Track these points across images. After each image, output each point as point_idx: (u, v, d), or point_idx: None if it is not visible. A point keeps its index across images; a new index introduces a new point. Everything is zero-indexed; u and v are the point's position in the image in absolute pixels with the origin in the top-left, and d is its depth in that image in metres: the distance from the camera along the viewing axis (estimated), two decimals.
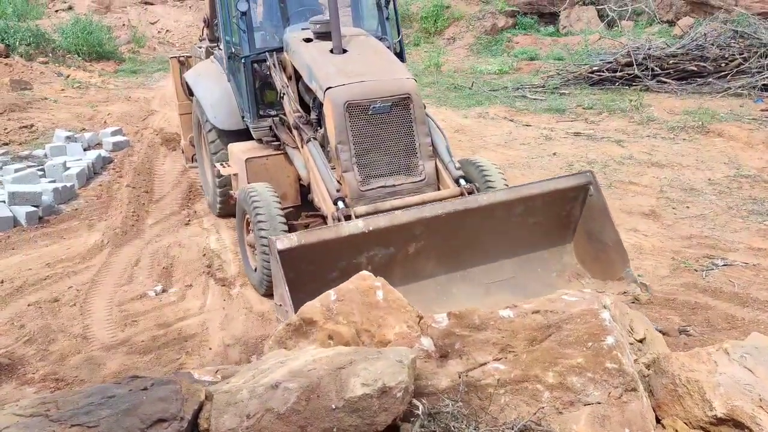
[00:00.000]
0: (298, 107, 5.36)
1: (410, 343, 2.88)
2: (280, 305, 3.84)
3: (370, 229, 3.97)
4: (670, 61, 12.09)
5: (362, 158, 4.74)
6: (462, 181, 4.85)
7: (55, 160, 8.23)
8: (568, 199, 4.58)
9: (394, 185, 4.78)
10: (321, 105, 4.98)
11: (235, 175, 5.83)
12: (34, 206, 6.79)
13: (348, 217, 4.44)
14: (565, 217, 4.68)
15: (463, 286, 4.30)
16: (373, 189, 4.72)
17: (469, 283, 4.33)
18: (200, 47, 7.72)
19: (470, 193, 4.74)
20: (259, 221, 4.77)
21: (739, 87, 11.11)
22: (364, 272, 3.21)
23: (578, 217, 4.64)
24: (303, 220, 5.16)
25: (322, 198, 4.82)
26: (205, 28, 7.74)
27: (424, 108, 5.00)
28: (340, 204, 4.58)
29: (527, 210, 4.46)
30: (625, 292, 4.34)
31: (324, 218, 4.88)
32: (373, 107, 4.73)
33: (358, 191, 4.68)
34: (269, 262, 4.63)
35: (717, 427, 2.59)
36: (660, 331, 4.33)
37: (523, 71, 14.68)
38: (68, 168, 8.01)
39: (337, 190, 4.65)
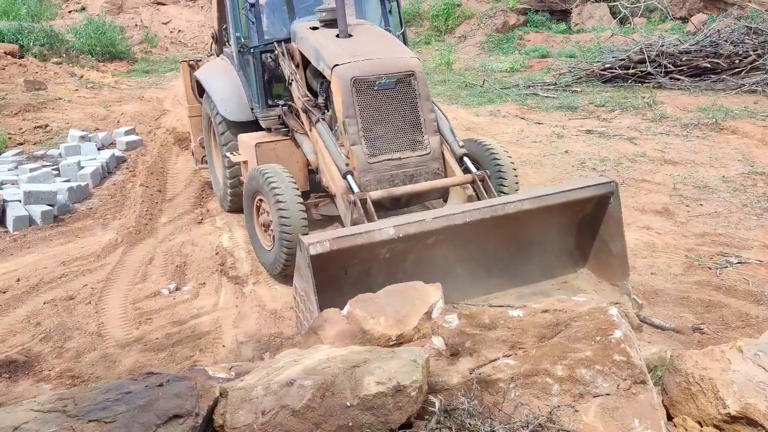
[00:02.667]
0: (307, 92, 5.51)
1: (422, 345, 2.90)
2: (303, 296, 3.91)
3: (401, 235, 4.01)
4: (683, 58, 12.01)
5: (369, 132, 4.91)
6: (467, 161, 5.00)
7: (70, 160, 8.31)
8: (586, 202, 4.57)
9: (400, 158, 4.95)
10: (328, 87, 5.14)
11: (245, 162, 5.97)
12: (50, 205, 6.86)
13: (363, 201, 4.53)
14: (578, 215, 4.70)
15: (467, 267, 4.39)
16: (380, 162, 4.89)
17: (473, 265, 4.41)
18: (209, 61, 7.79)
19: (482, 180, 4.87)
20: (276, 192, 4.87)
21: (753, 84, 11.03)
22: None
23: (590, 218, 4.65)
24: (312, 200, 5.36)
25: (330, 176, 4.94)
26: (213, 43, 7.82)
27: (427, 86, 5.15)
28: (350, 179, 4.68)
29: (546, 210, 4.48)
30: (617, 303, 4.26)
31: (332, 197, 5.01)
32: (379, 83, 4.92)
33: (366, 163, 4.85)
34: (288, 240, 4.78)
35: (730, 425, 2.58)
36: (673, 330, 4.33)
37: (534, 69, 14.63)
38: (82, 167, 8.08)
39: (346, 165, 4.78)
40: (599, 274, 4.63)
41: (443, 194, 5.17)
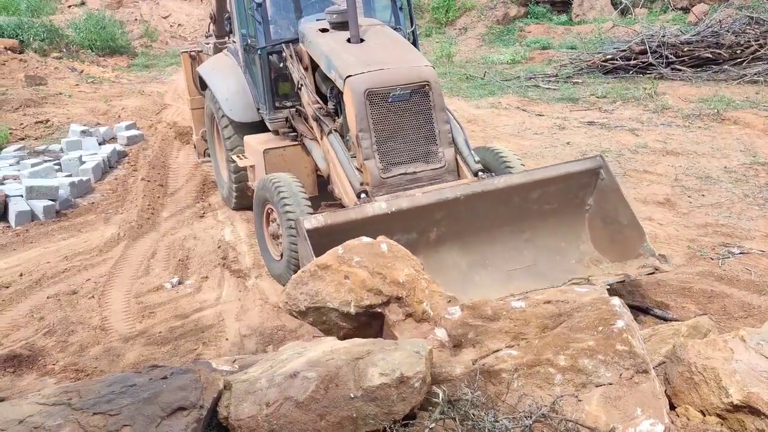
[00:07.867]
0: (317, 98, 5.36)
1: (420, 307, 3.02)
2: None
3: (393, 210, 4.07)
4: (685, 49, 11.96)
5: (383, 146, 4.78)
6: (481, 175, 4.86)
7: (71, 155, 8.31)
8: (580, 184, 4.60)
9: (414, 172, 4.83)
10: (339, 94, 5.01)
11: (251, 166, 5.84)
12: (51, 200, 6.87)
13: None
14: (579, 204, 4.70)
15: (485, 274, 4.33)
16: (394, 176, 4.78)
17: (490, 271, 4.36)
18: (207, 43, 7.70)
19: None
20: (287, 209, 4.78)
21: (755, 74, 10.99)
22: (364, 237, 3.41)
23: (591, 201, 4.67)
24: (323, 209, 5.17)
25: (343, 190, 4.85)
26: (211, 24, 7.68)
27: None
28: (363, 196, 4.62)
29: (542, 195, 4.49)
30: (644, 266, 4.31)
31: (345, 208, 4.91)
32: (393, 95, 4.76)
33: (379, 179, 4.73)
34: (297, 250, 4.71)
35: (733, 414, 2.59)
36: (675, 320, 4.33)
37: (535, 61, 14.58)
38: (84, 162, 8.09)
39: (361, 183, 4.69)
40: (621, 256, 4.55)
41: None
